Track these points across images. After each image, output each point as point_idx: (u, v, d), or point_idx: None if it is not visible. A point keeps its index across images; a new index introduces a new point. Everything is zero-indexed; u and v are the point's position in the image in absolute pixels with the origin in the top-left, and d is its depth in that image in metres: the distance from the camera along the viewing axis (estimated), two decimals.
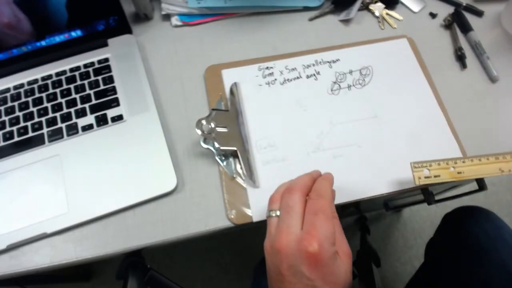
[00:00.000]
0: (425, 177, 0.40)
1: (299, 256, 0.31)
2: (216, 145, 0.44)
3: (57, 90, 0.50)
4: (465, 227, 0.57)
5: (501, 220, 0.57)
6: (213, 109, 0.46)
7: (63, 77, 0.51)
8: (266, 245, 0.34)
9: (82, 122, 0.48)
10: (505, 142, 0.47)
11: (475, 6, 0.57)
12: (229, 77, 0.51)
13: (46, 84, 0.51)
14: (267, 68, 0.52)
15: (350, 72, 0.52)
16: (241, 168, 0.44)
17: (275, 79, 0.51)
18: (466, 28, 0.55)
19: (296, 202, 0.34)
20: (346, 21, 0.57)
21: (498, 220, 0.56)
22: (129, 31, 0.55)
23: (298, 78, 0.51)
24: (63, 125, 0.48)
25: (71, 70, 0.52)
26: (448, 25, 0.56)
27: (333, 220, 0.33)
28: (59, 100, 0.49)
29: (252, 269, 0.62)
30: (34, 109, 0.49)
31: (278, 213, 0.35)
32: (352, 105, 0.49)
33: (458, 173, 0.41)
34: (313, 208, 0.33)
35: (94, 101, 0.49)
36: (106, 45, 0.54)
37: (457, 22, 0.56)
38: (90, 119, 0.48)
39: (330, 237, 0.32)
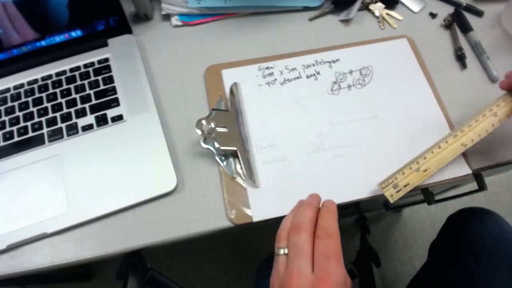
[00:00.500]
0: (397, 192, 0.40)
1: None
2: (216, 145, 0.44)
3: (57, 90, 0.50)
4: (469, 228, 0.57)
5: (506, 221, 0.56)
6: (213, 109, 0.46)
7: (63, 77, 0.51)
8: (274, 283, 0.34)
9: (82, 122, 0.48)
10: (505, 142, 0.47)
11: (475, 6, 0.57)
12: (229, 77, 0.51)
13: (46, 84, 0.51)
14: (267, 68, 0.52)
15: (350, 72, 0.52)
16: (241, 168, 0.44)
17: (275, 79, 0.51)
18: (466, 28, 0.55)
19: (305, 243, 0.33)
20: (346, 21, 0.57)
21: (502, 221, 0.56)
22: (129, 31, 0.55)
23: (298, 78, 0.51)
24: (63, 125, 0.48)
25: (71, 70, 0.52)
26: (448, 25, 0.56)
27: (342, 261, 0.33)
28: (59, 100, 0.49)
29: (255, 269, 0.62)
30: (34, 109, 0.49)
31: (286, 251, 0.34)
32: (352, 105, 0.49)
33: (424, 171, 0.40)
34: (324, 250, 0.33)
35: (94, 101, 0.49)
36: (106, 45, 0.54)
37: (457, 22, 0.56)
38: (90, 119, 0.48)
39: (343, 283, 0.32)
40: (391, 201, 0.40)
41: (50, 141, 0.47)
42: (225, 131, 0.45)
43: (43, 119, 0.48)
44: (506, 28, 0.55)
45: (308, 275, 0.32)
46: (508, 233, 0.54)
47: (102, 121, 0.48)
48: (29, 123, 0.48)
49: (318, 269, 0.32)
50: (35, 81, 0.51)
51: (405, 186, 0.40)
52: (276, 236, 0.36)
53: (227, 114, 0.47)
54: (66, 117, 0.48)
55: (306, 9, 0.58)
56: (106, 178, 0.44)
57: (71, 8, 0.49)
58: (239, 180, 0.44)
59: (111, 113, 0.48)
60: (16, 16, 0.47)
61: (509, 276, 0.48)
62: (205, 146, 0.45)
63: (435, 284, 0.59)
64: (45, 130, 0.47)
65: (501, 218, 0.57)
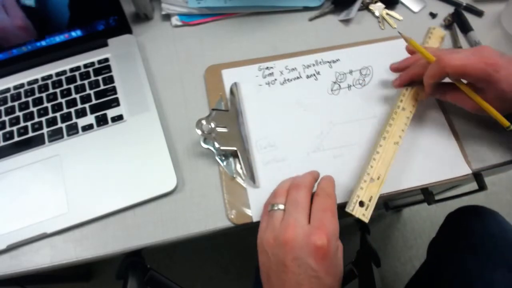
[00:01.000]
0: (366, 209, 0.39)
1: (307, 249, 0.33)
2: (216, 145, 0.44)
3: (57, 90, 0.50)
4: (469, 226, 0.56)
5: (505, 220, 0.56)
6: (213, 109, 0.46)
7: (63, 77, 0.51)
8: (268, 237, 0.35)
9: (82, 122, 0.48)
10: (505, 142, 0.47)
11: (475, 6, 0.57)
12: (229, 77, 0.51)
13: (46, 84, 0.51)
14: (267, 68, 0.52)
15: (350, 72, 0.52)
16: (241, 168, 0.44)
17: (275, 79, 0.51)
18: (466, 28, 0.55)
19: (303, 198, 0.36)
20: (346, 21, 0.57)
21: (502, 220, 0.56)
22: (129, 31, 0.55)
23: (298, 78, 0.51)
24: (63, 125, 0.48)
25: (71, 70, 0.52)
26: (448, 25, 0.56)
27: (337, 217, 0.36)
28: (59, 100, 0.49)
29: (254, 269, 0.62)
30: (34, 109, 0.49)
31: (281, 207, 0.37)
32: (352, 105, 0.49)
33: (378, 178, 0.40)
34: (321, 205, 0.36)
35: (94, 101, 0.49)
36: (106, 45, 0.54)
37: (457, 22, 0.56)
38: (90, 119, 0.48)
39: (336, 233, 0.35)
40: (365, 221, 0.39)
41: (50, 141, 0.47)
42: (225, 131, 0.45)
43: (43, 119, 0.48)
44: (506, 28, 0.55)
45: (304, 226, 0.34)
46: (508, 231, 0.54)
47: (102, 121, 0.48)
48: (29, 123, 0.48)
49: (314, 221, 0.35)
50: (35, 81, 0.51)
51: (369, 200, 0.39)
52: (273, 193, 0.39)
53: (227, 114, 0.47)
54: (66, 117, 0.48)
55: (306, 9, 0.58)
56: (106, 178, 0.44)
57: (71, 8, 0.49)
58: (239, 180, 0.44)
59: (111, 113, 0.48)
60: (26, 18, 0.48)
61: (508, 275, 0.48)
62: (205, 146, 0.45)
63: (434, 283, 0.59)
64: (45, 130, 0.47)
65: (501, 217, 0.57)
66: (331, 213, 0.35)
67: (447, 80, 0.42)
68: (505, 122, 0.40)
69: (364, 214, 0.39)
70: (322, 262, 0.33)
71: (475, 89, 0.41)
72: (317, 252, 0.33)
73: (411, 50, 0.47)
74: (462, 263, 0.53)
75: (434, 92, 0.44)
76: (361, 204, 0.39)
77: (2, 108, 0.49)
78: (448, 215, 0.63)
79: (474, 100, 0.41)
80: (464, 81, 0.42)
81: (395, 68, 0.48)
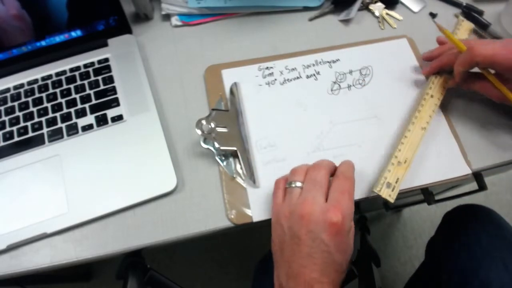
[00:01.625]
0: (392, 190, 0.41)
1: (322, 224, 0.34)
2: (216, 145, 0.44)
3: (57, 90, 0.50)
4: (466, 225, 0.57)
5: (502, 218, 0.57)
6: (213, 109, 0.46)
7: (63, 77, 0.51)
8: (285, 211, 0.37)
9: (82, 122, 0.48)
10: (505, 142, 0.47)
11: (475, 6, 0.57)
12: (229, 77, 0.51)
13: (46, 84, 0.51)
14: (267, 68, 0.52)
15: (350, 72, 0.52)
16: (241, 168, 0.44)
17: (275, 79, 0.51)
18: (484, 25, 0.55)
19: (323, 178, 0.37)
20: (346, 21, 0.57)
21: (499, 218, 0.56)
22: (129, 31, 0.55)
23: (298, 78, 0.51)
24: (63, 125, 0.48)
25: (71, 70, 0.52)
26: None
27: (353, 200, 0.38)
28: (59, 100, 0.49)
29: (255, 268, 0.62)
30: (34, 109, 0.49)
31: (299, 184, 0.38)
32: (352, 105, 0.49)
33: (405, 162, 0.43)
34: (340, 187, 0.37)
35: (94, 101, 0.49)
36: (106, 45, 0.54)
37: (473, 22, 0.56)
38: (90, 119, 0.48)
39: (351, 214, 0.36)
40: (391, 201, 0.41)
41: (50, 141, 0.47)
42: (225, 131, 0.45)
43: (43, 119, 0.48)
44: (506, 28, 0.55)
45: (321, 203, 0.35)
46: (504, 229, 0.54)
47: (102, 121, 0.48)
48: (29, 123, 0.48)
49: (331, 200, 0.36)
50: (35, 81, 0.51)
51: (396, 182, 0.41)
52: (292, 170, 0.40)
53: (227, 114, 0.47)
54: (66, 117, 0.48)
55: (306, 9, 0.58)
56: (106, 178, 0.44)
57: (70, 8, 0.49)
58: (239, 180, 0.44)
59: (111, 113, 0.48)
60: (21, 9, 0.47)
61: (504, 273, 0.49)
62: (205, 146, 0.45)
63: (432, 282, 0.59)
64: (45, 130, 0.47)
65: (497, 214, 0.57)
66: (349, 195, 0.37)
67: (476, 69, 0.44)
68: None
69: (390, 195, 0.41)
70: (334, 238, 0.34)
71: (501, 79, 0.43)
72: (331, 228, 0.34)
73: (441, 41, 0.50)
74: (459, 261, 0.54)
75: (463, 81, 0.46)
76: (388, 185, 0.41)
77: (2, 108, 0.49)
78: (445, 214, 0.63)
79: (500, 90, 0.43)
80: (492, 72, 0.44)
81: (427, 57, 0.50)
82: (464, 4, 0.57)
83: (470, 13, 0.56)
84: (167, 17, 0.57)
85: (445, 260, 0.56)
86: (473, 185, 0.50)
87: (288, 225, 0.36)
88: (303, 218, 0.35)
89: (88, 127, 0.47)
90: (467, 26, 0.54)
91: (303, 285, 0.34)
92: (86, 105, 0.49)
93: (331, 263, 0.34)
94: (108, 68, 0.52)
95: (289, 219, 0.36)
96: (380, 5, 0.58)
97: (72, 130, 0.47)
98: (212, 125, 0.44)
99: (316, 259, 0.34)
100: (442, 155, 0.45)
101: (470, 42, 0.45)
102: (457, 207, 0.62)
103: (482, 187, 0.49)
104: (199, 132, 0.43)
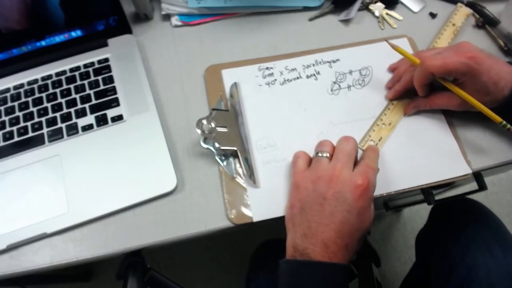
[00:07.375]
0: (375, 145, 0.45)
1: (349, 185, 0.37)
2: (216, 145, 0.44)
3: (57, 90, 0.50)
4: (452, 216, 0.59)
5: (486, 207, 0.58)
6: (213, 109, 0.46)
7: (63, 77, 0.51)
8: (312, 176, 0.39)
9: (82, 122, 0.48)
10: (505, 142, 0.47)
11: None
12: (229, 77, 0.51)
13: (46, 84, 0.51)
14: (267, 68, 0.52)
15: (350, 72, 0.52)
16: (241, 168, 0.44)
17: (275, 79, 0.51)
18: (494, 22, 0.55)
19: (352, 150, 0.40)
20: (346, 21, 0.57)
21: (483, 207, 0.58)
22: (129, 31, 0.55)
23: (298, 78, 0.51)
24: (63, 125, 0.48)
25: (71, 70, 0.52)
26: (482, 25, 0.55)
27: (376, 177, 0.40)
28: (59, 100, 0.49)
29: (250, 260, 0.63)
30: (34, 109, 0.49)
31: (326, 154, 0.40)
32: (352, 105, 0.49)
33: (389, 124, 0.47)
34: (366, 164, 0.39)
35: (94, 101, 0.49)
36: (106, 45, 0.54)
37: (483, 18, 0.55)
38: (90, 119, 0.48)
39: (374, 188, 0.39)
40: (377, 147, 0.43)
41: (50, 141, 0.47)
42: (225, 131, 0.45)
43: (43, 119, 0.48)
44: (506, 28, 0.55)
45: (349, 172, 0.38)
46: (489, 218, 0.56)
47: (102, 121, 0.48)
48: (29, 123, 0.48)
49: (358, 170, 0.38)
50: (35, 81, 0.51)
51: (379, 140, 0.46)
52: (319, 143, 0.42)
53: (227, 114, 0.47)
54: (66, 117, 0.48)
55: (306, 9, 0.58)
56: (106, 178, 0.44)
57: (65, 7, 0.49)
58: (239, 180, 0.44)
59: (111, 113, 0.48)
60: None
61: (489, 259, 0.50)
62: (205, 146, 0.45)
63: (424, 277, 0.61)
64: (45, 130, 0.47)
65: (482, 205, 0.59)
66: (375, 172, 0.39)
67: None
68: (496, 118, 0.41)
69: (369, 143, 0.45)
70: (358, 199, 0.36)
71: (458, 85, 0.43)
72: (356, 189, 0.36)
73: (393, 67, 0.50)
74: (446, 250, 0.55)
75: (426, 97, 0.46)
76: (372, 142, 0.45)
77: (2, 108, 0.49)
78: (432, 207, 0.65)
79: (462, 96, 0.42)
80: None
81: (390, 85, 0.49)
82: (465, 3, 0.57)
83: (478, 10, 0.56)
84: (167, 17, 0.57)
85: (433, 251, 0.58)
86: (473, 185, 0.50)
87: (314, 187, 0.38)
88: (331, 181, 0.37)
89: (88, 127, 0.47)
90: (464, 11, 0.55)
91: (320, 244, 0.36)
92: (86, 105, 0.49)
93: (348, 224, 0.36)
94: (108, 68, 0.52)
95: (317, 183, 0.38)
96: (380, 5, 0.58)
97: (72, 130, 0.47)
98: (212, 125, 0.44)
99: (336, 217, 0.36)
100: (442, 155, 0.45)
101: (421, 55, 0.45)
102: (443, 199, 0.63)
103: (482, 187, 0.49)
104: (199, 131, 0.43)
